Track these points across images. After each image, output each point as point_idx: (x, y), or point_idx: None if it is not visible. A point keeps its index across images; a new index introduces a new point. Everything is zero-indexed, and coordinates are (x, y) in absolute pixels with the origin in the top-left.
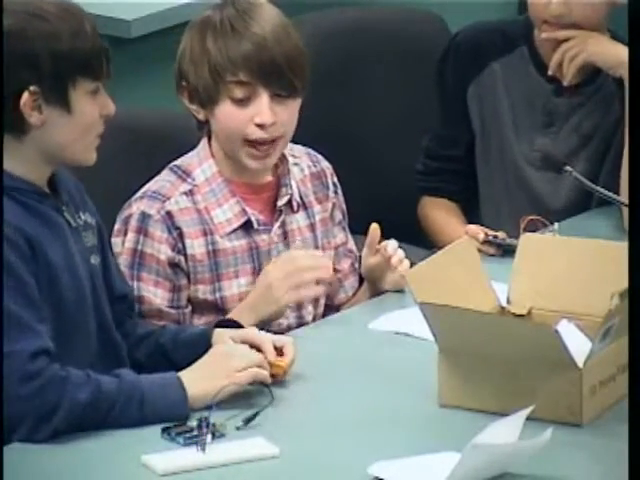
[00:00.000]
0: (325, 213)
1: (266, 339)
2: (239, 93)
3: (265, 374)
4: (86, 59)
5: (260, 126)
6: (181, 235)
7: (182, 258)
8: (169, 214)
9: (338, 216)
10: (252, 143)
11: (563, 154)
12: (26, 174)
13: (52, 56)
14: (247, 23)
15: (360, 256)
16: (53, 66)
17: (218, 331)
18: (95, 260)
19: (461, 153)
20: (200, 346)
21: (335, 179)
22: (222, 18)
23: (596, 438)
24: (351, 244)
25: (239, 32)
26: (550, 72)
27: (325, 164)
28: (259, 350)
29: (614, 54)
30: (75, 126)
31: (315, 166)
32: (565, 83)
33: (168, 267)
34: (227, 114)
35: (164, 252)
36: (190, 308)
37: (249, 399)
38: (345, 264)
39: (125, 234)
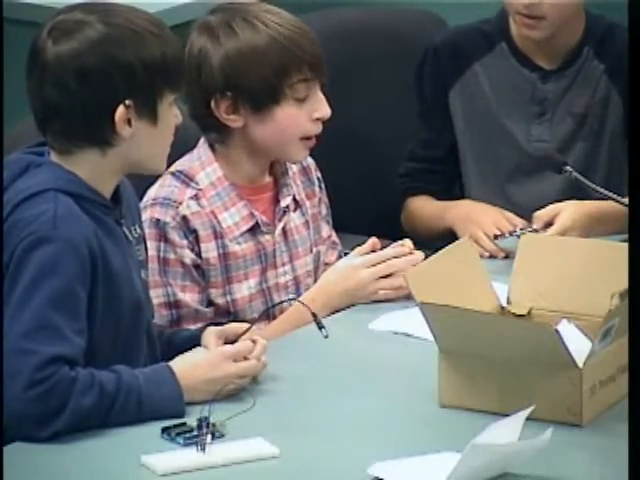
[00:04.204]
0: (315, 209)
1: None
2: (303, 91)
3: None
4: (172, 69)
5: (318, 120)
6: (197, 239)
7: (200, 261)
8: (184, 219)
9: (324, 210)
10: (309, 138)
11: (561, 138)
12: (97, 185)
13: (145, 66)
14: (278, 17)
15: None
16: (146, 78)
17: (207, 330)
18: (144, 274)
19: (442, 155)
20: (190, 348)
21: (319, 174)
22: (256, 15)
23: (596, 438)
24: (335, 236)
25: (283, 26)
26: None
27: (309, 160)
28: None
29: None
30: (158, 138)
31: (301, 162)
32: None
33: (194, 269)
34: (290, 115)
35: (188, 256)
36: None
37: (249, 398)
38: (332, 256)
39: None
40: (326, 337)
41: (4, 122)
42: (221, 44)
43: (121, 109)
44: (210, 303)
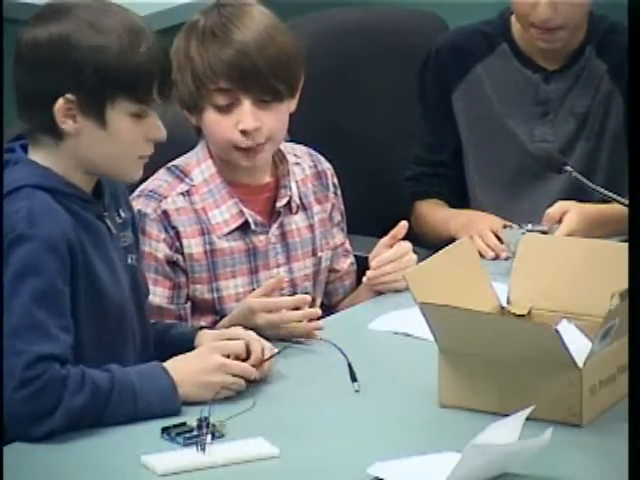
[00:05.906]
0: (324, 214)
1: (253, 340)
2: (221, 100)
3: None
4: (131, 80)
5: (244, 132)
6: (178, 235)
7: (180, 257)
8: (165, 213)
9: (337, 217)
10: (239, 148)
11: (564, 139)
12: (69, 177)
13: (95, 69)
14: (229, 30)
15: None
16: (95, 79)
17: (202, 332)
18: (131, 259)
19: (447, 158)
20: (184, 346)
21: (335, 180)
22: (204, 25)
23: (596, 438)
24: (348, 245)
25: (220, 39)
26: None
27: (326, 165)
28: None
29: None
30: (109, 143)
31: (316, 166)
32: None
33: (167, 265)
34: (211, 121)
35: (162, 250)
36: (190, 304)
37: (249, 398)
38: (344, 264)
39: None
40: (357, 391)
41: (4, 122)
42: (173, 46)
43: (60, 101)
44: (195, 299)
